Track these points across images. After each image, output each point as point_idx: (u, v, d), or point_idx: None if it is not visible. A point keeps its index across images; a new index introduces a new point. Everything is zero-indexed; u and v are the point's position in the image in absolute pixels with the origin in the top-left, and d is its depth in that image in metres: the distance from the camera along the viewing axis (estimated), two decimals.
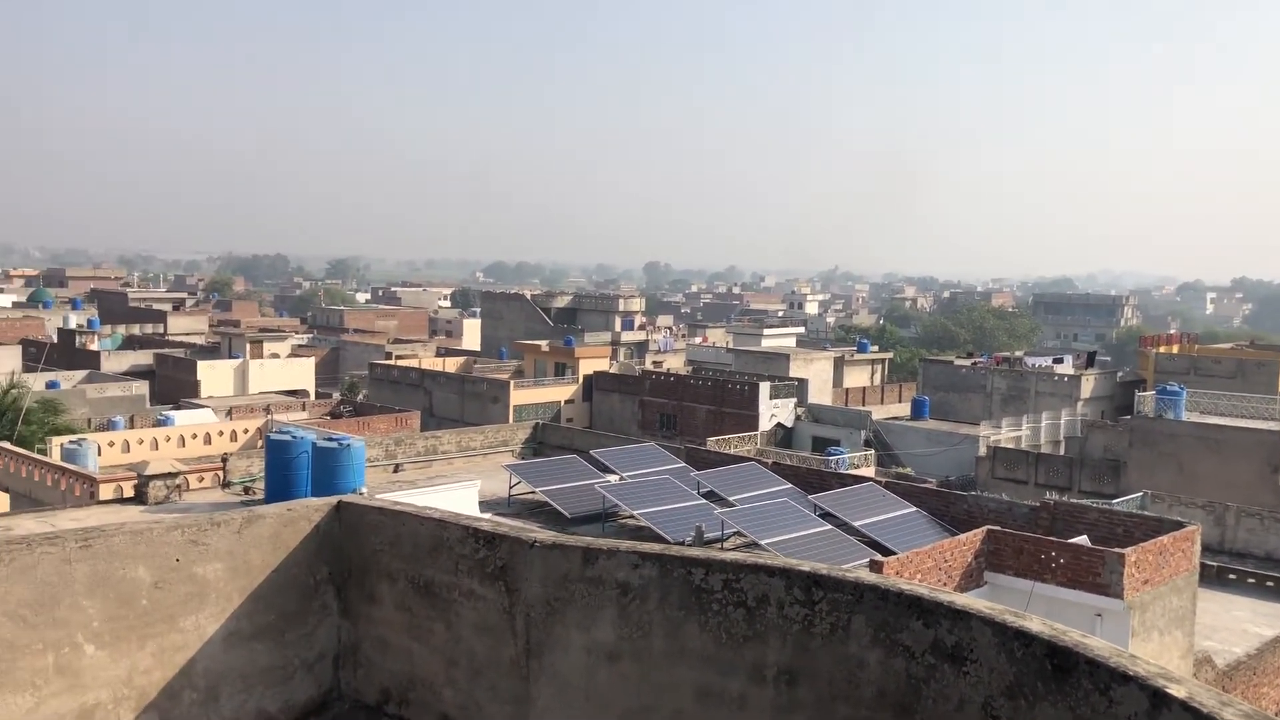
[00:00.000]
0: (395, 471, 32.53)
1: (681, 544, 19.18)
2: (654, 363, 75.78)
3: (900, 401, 61.52)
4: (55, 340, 79.05)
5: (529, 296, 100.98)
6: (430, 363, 74.65)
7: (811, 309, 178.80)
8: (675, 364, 76.43)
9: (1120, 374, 65.40)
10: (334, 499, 5.78)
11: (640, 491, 25.63)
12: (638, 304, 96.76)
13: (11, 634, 4.62)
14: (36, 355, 72.81)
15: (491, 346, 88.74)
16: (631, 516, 24.66)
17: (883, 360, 78.00)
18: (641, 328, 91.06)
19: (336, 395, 69.39)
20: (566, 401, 63.24)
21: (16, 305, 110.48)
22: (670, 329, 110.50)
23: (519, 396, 61.87)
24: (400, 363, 74.29)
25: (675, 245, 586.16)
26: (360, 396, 67.46)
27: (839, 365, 67.73)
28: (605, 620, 4.80)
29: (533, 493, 26.85)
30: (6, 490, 34.18)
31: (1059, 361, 66.82)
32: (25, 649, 4.66)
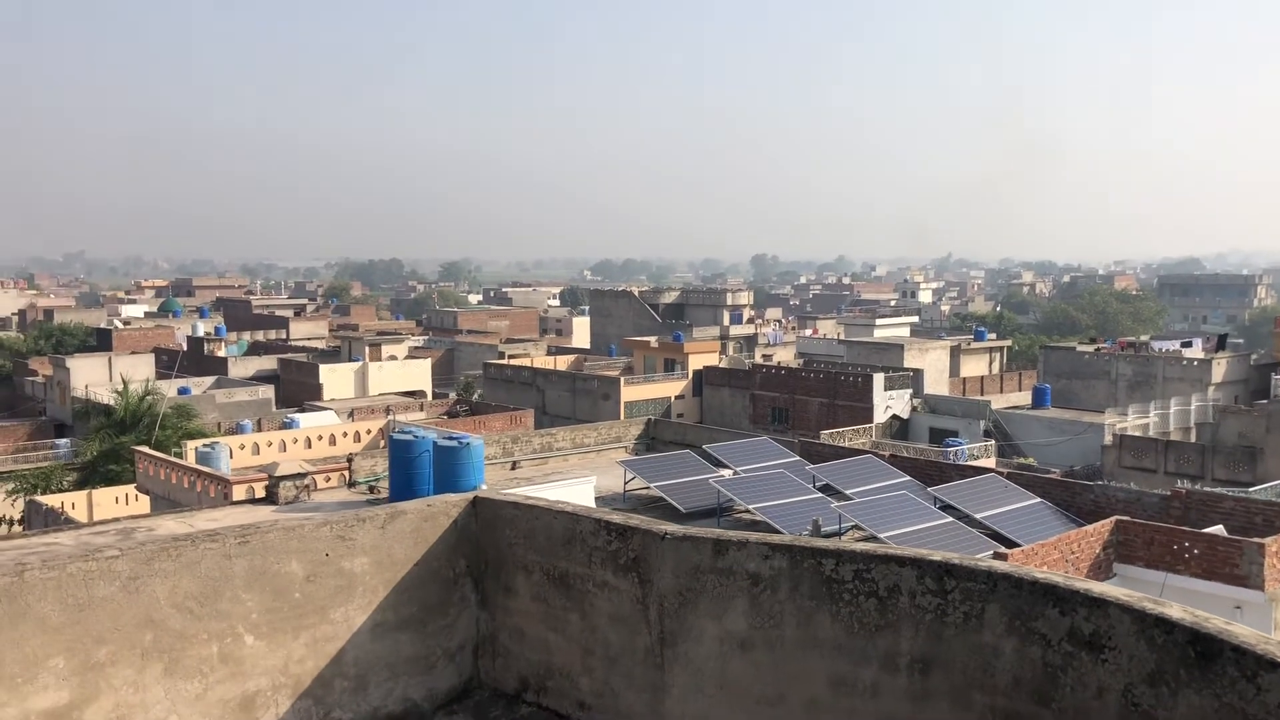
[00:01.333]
0: (513, 469, 33.14)
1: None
2: (764, 356, 75.45)
3: (1020, 390, 60.02)
4: (185, 348, 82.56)
5: (637, 293, 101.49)
6: (542, 361, 75.73)
7: (925, 297, 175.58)
8: (785, 357, 75.94)
9: (1254, 357, 62.64)
10: (470, 494, 6.00)
11: (755, 486, 25.62)
12: (746, 297, 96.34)
13: (180, 625, 4.94)
14: (168, 363, 76.20)
15: (601, 344, 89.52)
16: (747, 511, 24.67)
17: (1001, 348, 76.22)
18: (750, 321, 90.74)
19: (452, 395, 70.92)
20: (676, 397, 63.45)
21: (148, 315, 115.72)
22: (779, 322, 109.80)
23: (629, 393, 62.29)
24: (513, 362, 75.53)
25: (782, 237, 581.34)
26: (475, 396, 68.80)
27: (955, 354, 66.39)
28: (737, 610, 4.89)
29: (647, 488, 27.08)
30: (147, 492, 35.92)
31: (1188, 345, 64.31)
32: (193, 639, 4.98)
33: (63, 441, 57.38)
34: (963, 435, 45.94)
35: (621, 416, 56.80)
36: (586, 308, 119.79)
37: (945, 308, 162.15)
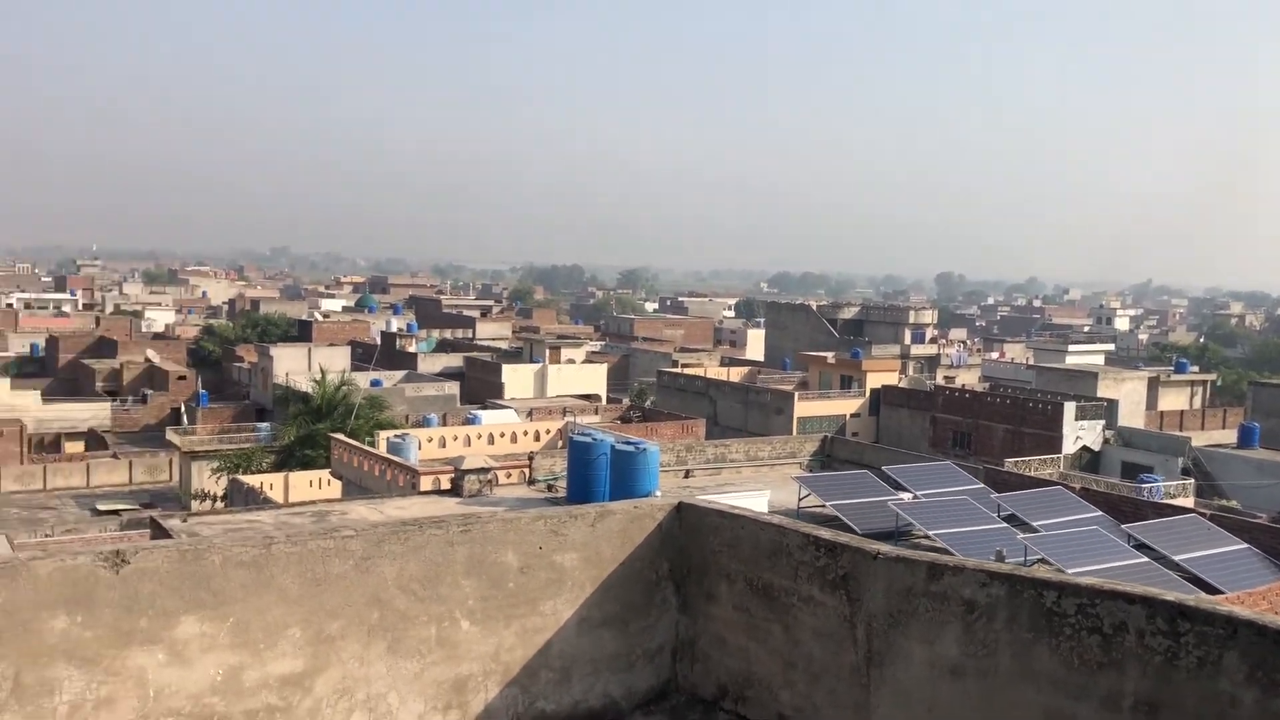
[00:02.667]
0: (685, 477, 33.32)
1: None
2: (945, 378, 73.41)
3: (1224, 427, 56.38)
4: (379, 342, 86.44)
5: (814, 307, 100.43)
6: (715, 371, 75.79)
7: (1121, 324, 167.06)
8: (969, 380, 73.69)
9: None
10: (675, 500, 6.09)
11: (936, 511, 24.96)
12: (929, 316, 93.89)
13: (404, 606, 5.20)
14: (363, 356, 79.95)
15: (775, 357, 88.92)
16: (926, 536, 24.05)
17: (1204, 382, 71.81)
18: (933, 341, 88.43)
19: (626, 400, 71.82)
20: (852, 415, 62.39)
21: (345, 309, 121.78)
22: (964, 343, 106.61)
23: (803, 408, 61.62)
24: (686, 371, 75.87)
25: (969, 255, 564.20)
26: (648, 402, 69.45)
27: (1153, 386, 62.94)
28: (949, 636, 4.79)
29: (823, 506, 26.74)
30: (340, 478, 37.76)
31: None
32: (414, 620, 5.22)
33: (263, 425, 61.04)
34: (1159, 472, 43.51)
35: (794, 432, 56.25)
36: (762, 320, 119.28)
37: (1143, 336, 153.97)
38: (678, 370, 76.29)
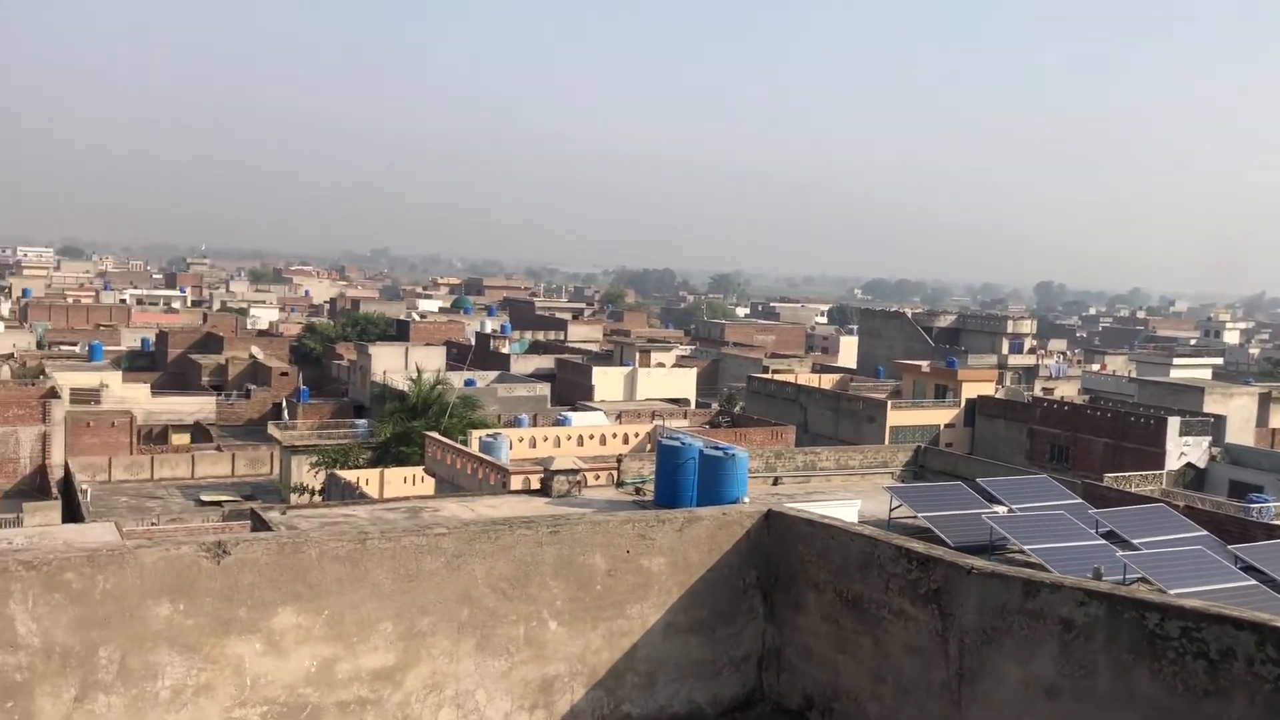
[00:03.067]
0: (774, 484, 33.09)
1: None
2: (1044, 389, 71.64)
3: None
4: (473, 343, 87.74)
5: (909, 315, 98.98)
6: (806, 378, 75.19)
7: (1231, 338, 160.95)
8: (1068, 391, 71.80)
9: None
10: (764, 507, 6.04)
11: (1032, 525, 24.37)
12: (1028, 326, 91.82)
13: (493, 604, 5.25)
14: (458, 356, 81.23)
15: (868, 365, 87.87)
16: (1021, 551, 23.49)
17: None
18: (1031, 351, 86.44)
19: (715, 405, 71.67)
20: (946, 425, 61.31)
21: (442, 310, 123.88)
22: (1064, 354, 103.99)
23: (896, 417, 60.76)
24: (777, 377, 75.40)
25: (1070, 264, 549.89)
26: (738, 408, 69.20)
27: (1264, 402, 60.52)
28: (1045, 655, 4.67)
29: (914, 517, 26.31)
30: (433, 475, 38.42)
31: None
32: (503, 618, 5.28)
33: (361, 421, 62.38)
34: (1269, 491, 41.82)
35: (886, 441, 55.51)
36: (855, 327, 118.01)
37: (1254, 350, 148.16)
38: (768, 376, 75.88)
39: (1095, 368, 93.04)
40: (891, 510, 26.77)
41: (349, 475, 41.90)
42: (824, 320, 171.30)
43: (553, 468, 29.61)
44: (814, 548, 5.75)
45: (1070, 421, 54.18)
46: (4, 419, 51.45)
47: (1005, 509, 26.46)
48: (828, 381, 73.45)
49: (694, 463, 25.81)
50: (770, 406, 67.03)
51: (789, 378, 74.12)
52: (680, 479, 25.64)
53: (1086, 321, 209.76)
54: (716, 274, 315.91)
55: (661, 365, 78.89)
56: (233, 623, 4.67)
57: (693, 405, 70.47)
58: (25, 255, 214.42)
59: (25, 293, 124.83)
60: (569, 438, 41.86)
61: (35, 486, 50.90)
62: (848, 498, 28.07)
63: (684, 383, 75.64)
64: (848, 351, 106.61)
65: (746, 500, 26.15)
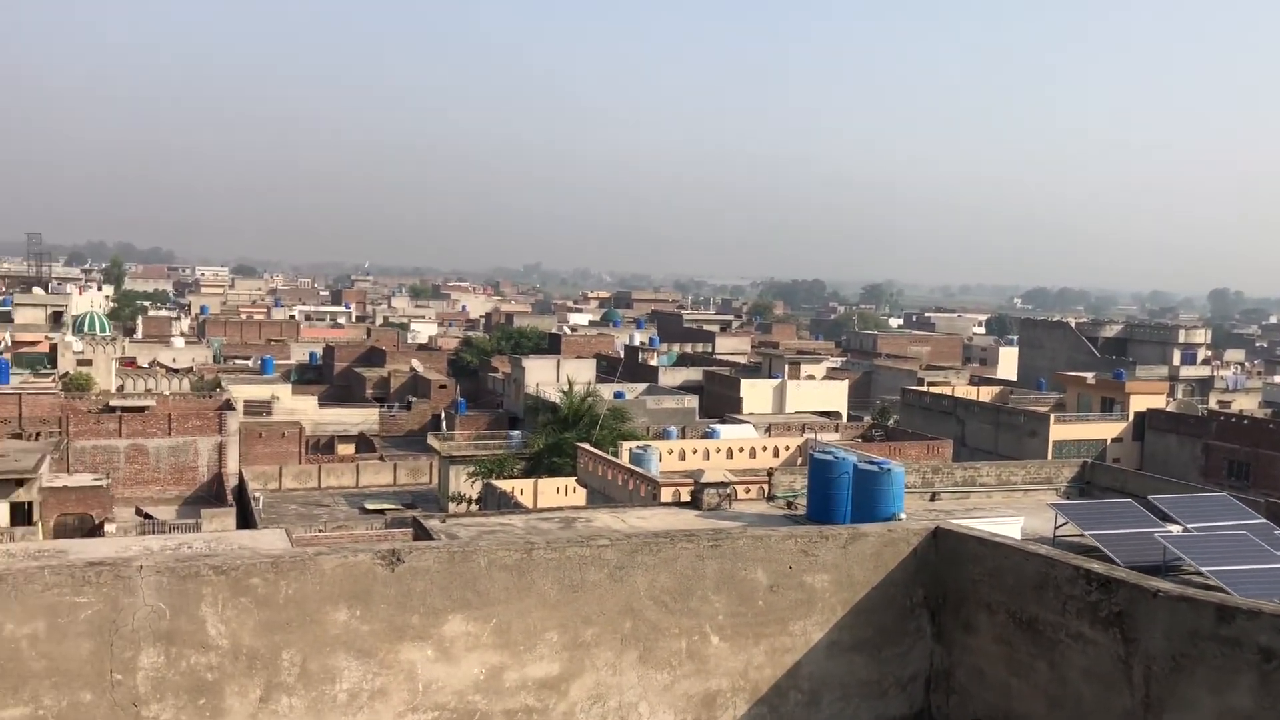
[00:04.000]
0: (931, 500, 32.25)
1: None
2: (1219, 402, 67.83)
3: None
4: (622, 355, 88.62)
5: (1073, 325, 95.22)
6: (963, 390, 73.13)
7: None
8: (1248, 405, 67.82)
9: None
10: (931, 524, 5.87)
11: (1210, 546, 23.02)
12: (1201, 335, 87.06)
13: (655, 617, 5.25)
14: (607, 368, 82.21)
15: (1029, 376, 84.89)
16: (1198, 573, 22.21)
17: None
18: (1205, 362, 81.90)
19: (868, 419, 70.41)
20: (1113, 440, 58.67)
21: (592, 324, 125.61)
22: (1242, 365, 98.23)
23: (1059, 431, 58.50)
24: (932, 390, 73.57)
25: (1248, 270, 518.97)
26: (891, 421, 67.81)
27: None
28: (1242, 686, 4.37)
29: (1080, 536, 25.20)
30: (585, 486, 38.91)
31: None
32: (665, 631, 5.27)
33: (515, 433, 63.77)
34: None
35: (1049, 456, 53.51)
36: (1015, 337, 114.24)
37: None
38: (923, 389, 74.13)
39: (1278, 379, 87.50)
40: (1057, 528, 25.75)
41: (504, 485, 42.80)
42: (981, 331, 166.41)
43: (703, 480, 29.56)
44: (985, 567, 5.55)
45: (1250, 436, 51.08)
46: (184, 430, 54.61)
47: (1180, 528, 25.10)
48: (986, 394, 71.25)
49: (848, 477, 25.38)
50: (926, 420, 65.47)
51: (945, 390, 72.24)
52: (834, 494, 25.23)
53: (1267, 330, 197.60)
54: (868, 284, 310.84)
55: (811, 378, 78.00)
56: (406, 629, 4.79)
57: (844, 418, 69.45)
58: (203, 274, 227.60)
59: (203, 310, 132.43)
60: (718, 450, 41.76)
61: (212, 493, 53.83)
62: (1010, 514, 27.13)
63: (835, 395, 74.64)
64: (1007, 363, 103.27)
65: (903, 516, 25.53)
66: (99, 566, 4.40)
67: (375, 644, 4.76)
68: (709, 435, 51.12)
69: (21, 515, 41.47)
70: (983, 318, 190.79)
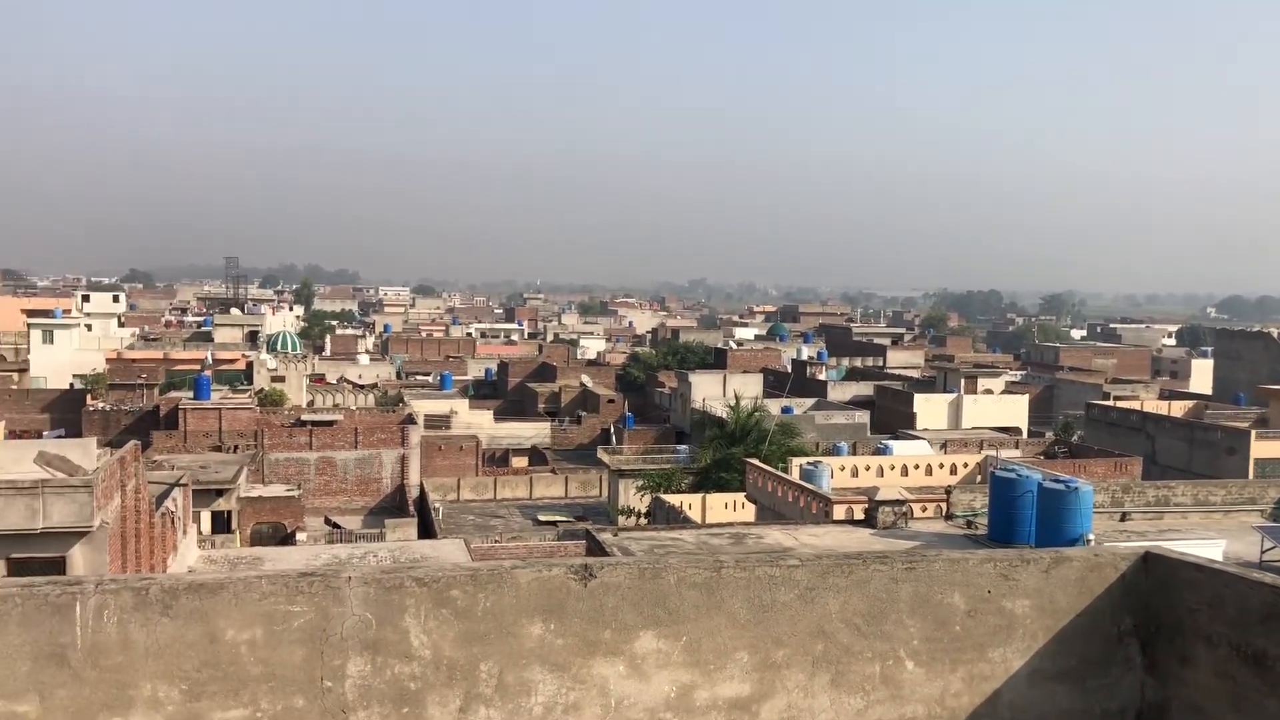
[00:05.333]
0: (1120, 520, 30.65)
1: None
2: None
3: None
4: (790, 370, 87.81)
5: (1275, 335, 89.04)
6: (1153, 405, 69.30)
7: None
8: None
9: None
10: (1140, 549, 5.55)
11: None
12: None
13: (848, 640, 5.13)
14: (775, 383, 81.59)
15: (1226, 390, 79.86)
16: None
17: None
18: None
19: (1050, 435, 67.58)
20: None
21: (758, 337, 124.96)
22: None
23: (1262, 449, 54.68)
24: (1119, 404, 70.03)
25: None
26: (1075, 437, 64.90)
27: None
28: None
29: None
30: (754, 502, 38.65)
31: None
32: (858, 655, 5.14)
33: (682, 447, 63.96)
34: None
35: (1250, 474, 50.11)
36: (1209, 349, 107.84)
37: None
38: (1109, 403, 70.65)
39: None
40: (1264, 552, 24.09)
41: (673, 499, 42.97)
42: (1172, 342, 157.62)
43: (877, 498, 28.94)
44: (1203, 596, 5.20)
45: None
46: (369, 443, 57.05)
47: None
48: (1178, 409, 67.35)
49: (1031, 496, 24.42)
50: (1112, 436, 62.36)
51: (1133, 405, 68.64)
52: (1017, 513, 24.32)
53: None
54: (1048, 294, 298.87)
55: (989, 392, 75.42)
56: (598, 644, 4.83)
57: (1024, 434, 66.87)
58: (386, 294, 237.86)
59: (386, 328, 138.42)
60: (892, 467, 40.79)
61: (395, 504, 56.01)
62: (1209, 537, 25.55)
63: (1014, 411, 71.94)
64: (1201, 376, 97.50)
65: (1091, 538, 24.36)
66: (311, 577, 4.61)
67: (569, 658, 4.81)
68: (881, 451, 50.02)
69: (221, 523, 44.14)
70: (1173, 328, 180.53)
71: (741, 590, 5.02)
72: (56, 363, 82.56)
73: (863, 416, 69.53)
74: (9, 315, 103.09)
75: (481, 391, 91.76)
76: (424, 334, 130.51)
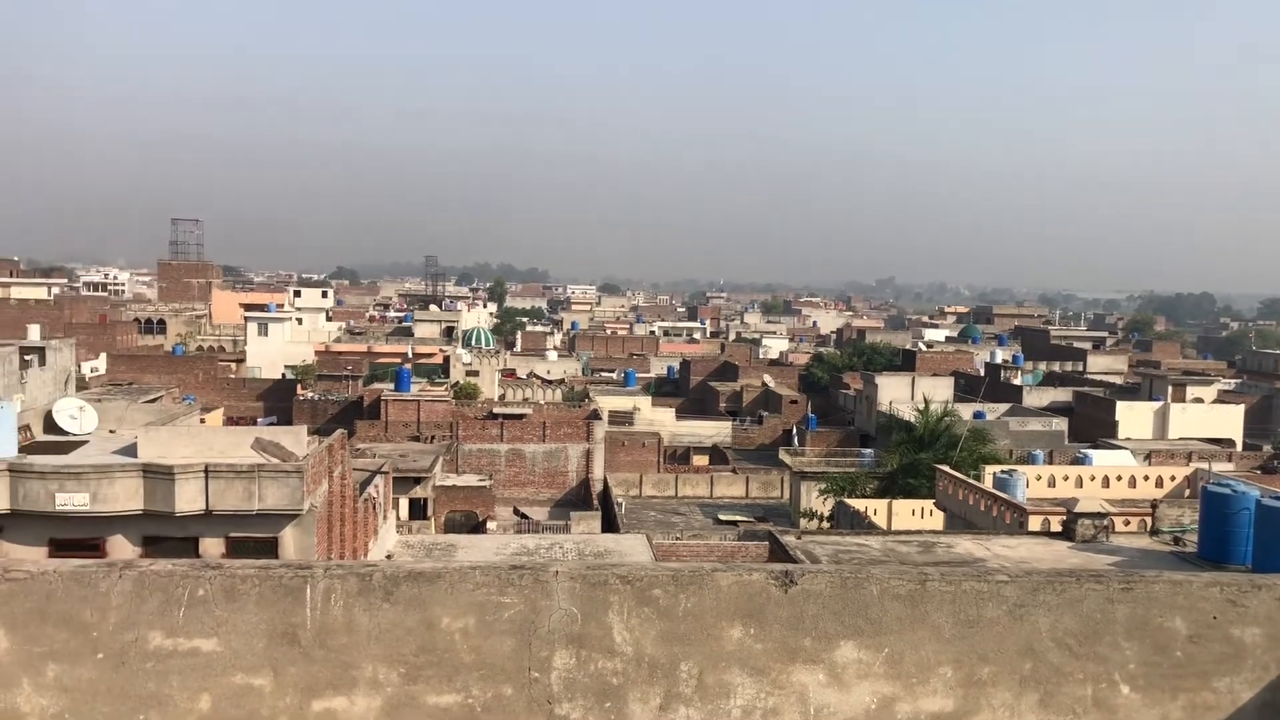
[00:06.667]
0: None
1: None
2: None
3: None
4: (982, 374, 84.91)
5: None
6: None
7: None
8: None
9: None
10: None
11: None
12: None
13: (1058, 660, 4.94)
14: (965, 387, 79.06)
15: None
16: None
17: None
18: None
19: (1268, 448, 62.98)
20: None
21: (949, 339, 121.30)
22: None
23: None
24: None
25: None
26: None
27: None
28: None
29: None
30: (944, 509, 37.59)
31: None
32: (1069, 676, 4.94)
33: (867, 451, 62.81)
34: None
35: None
36: None
37: None
38: None
39: None
40: None
41: (857, 504, 42.25)
42: None
43: (1076, 510, 27.64)
44: None
45: None
46: (556, 437, 58.52)
47: None
48: None
49: (1249, 514, 22.81)
50: None
51: None
52: (1232, 531, 22.77)
53: None
54: (1266, 298, 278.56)
55: (1199, 400, 70.98)
56: (798, 651, 4.81)
57: (1239, 447, 62.59)
58: (573, 293, 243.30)
59: (573, 326, 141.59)
60: (1092, 478, 38.84)
61: (579, 497, 57.26)
62: None
63: (1227, 421, 67.46)
64: None
65: None
66: (521, 570, 4.77)
67: (768, 663, 4.81)
68: (1080, 461, 47.74)
69: (418, 510, 46.14)
70: None
71: (947, 604, 4.90)
72: (270, 354, 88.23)
73: (1060, 424, 66.68)
74: (229, 309, 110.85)
75: (663, 389, 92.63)
76: (609, 331, 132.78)
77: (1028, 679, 4.92)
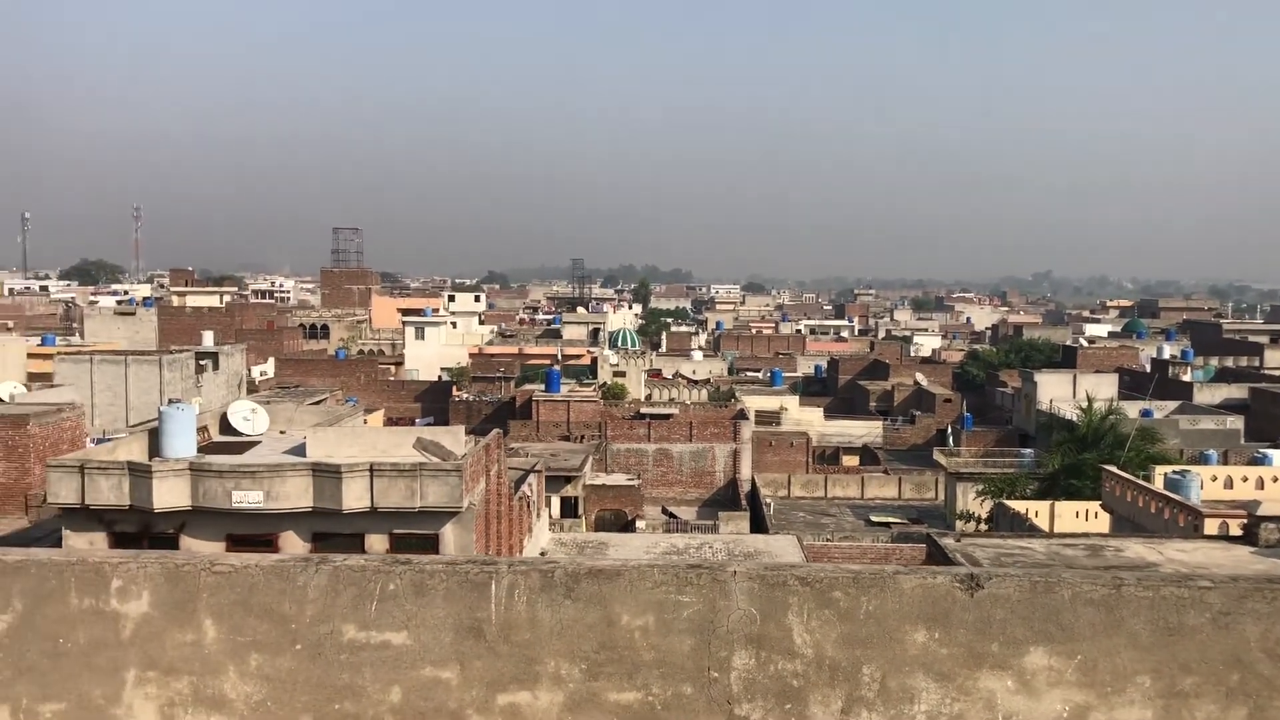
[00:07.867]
0: None
1: None
2: None
3: None
4: (1149, 370, 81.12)
5: None
6: None
7: None
8: None
9: None
10: None
11: None
12: None
13: (1271, 673, 4.64)
14: (1130, 383, 75.65)
15: None
16: None
17: None
18: None
19: None
20: None
21: (1112, 335, 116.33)
22: None
23: None
24: None
25: None
26: None
27: None
28: None
29: None
30: (1111, 511, 36.03)
31: None
32: None
33: (1026, 451, 60.71)
34: None
35: None
36: None
37: None
38: None
39: None
40: None
41: (1017, 505, 40.89)
42: None
43: (1259, 513, 26.12)
44: None
45: None
46: (703, 436, 58.55)
47: None
48: None
49: None
50: None
51: None
52: None
53: None
54: None
55: None
56: (985, 657, 4.66)
57: None
58: (717, 292, 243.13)
59: (718, 325, 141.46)
60: (1275, 479, 36.59)
61: (727, 497, 57.15)
62: None
63: None
64: None
65: None
66: (699, 569, 4.76)
67: (954, 668, 4.67)
68: (1259, 461, 45.01)
69: (569, 508, 46.87)
70: None
71: (1144, 610, 4.67)
72: (426, 357, 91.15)
73: (1236, 422, 63.15)
74: (388, 314, 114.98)
75: (811, 388, 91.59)
76: (754, 331, 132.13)
77: (1235, 691, 4.65)
